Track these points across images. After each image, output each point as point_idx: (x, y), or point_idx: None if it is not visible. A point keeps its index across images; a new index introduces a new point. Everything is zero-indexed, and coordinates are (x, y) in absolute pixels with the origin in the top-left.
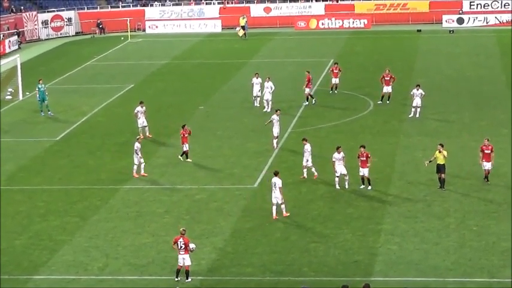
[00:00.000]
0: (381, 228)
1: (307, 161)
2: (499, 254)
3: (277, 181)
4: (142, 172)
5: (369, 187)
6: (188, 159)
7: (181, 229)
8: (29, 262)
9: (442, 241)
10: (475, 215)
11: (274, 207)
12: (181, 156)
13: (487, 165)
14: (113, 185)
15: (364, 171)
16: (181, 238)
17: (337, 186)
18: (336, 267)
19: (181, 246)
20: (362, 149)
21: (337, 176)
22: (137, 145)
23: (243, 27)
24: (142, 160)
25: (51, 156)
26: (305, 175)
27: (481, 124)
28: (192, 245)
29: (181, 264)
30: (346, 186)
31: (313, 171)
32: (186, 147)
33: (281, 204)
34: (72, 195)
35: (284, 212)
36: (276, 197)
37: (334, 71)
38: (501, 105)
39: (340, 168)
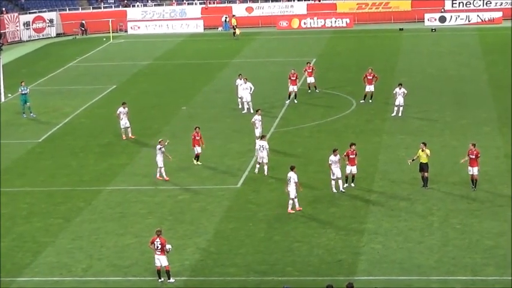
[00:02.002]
0: (364, 228)
1: (263, 157)
2: (482, 252)
3: (292, 175)
4: (164, 175)
5: (352, 184)
6: (198, 162)
7: (157, 229)
8: (12, 264)
9: (426, 240)
10: (458, 214)
11: (290, 202)
12: (197, 161)
13: (472, 170)
14: (96, 186)
15: (352, 169)
16: (158, 238)
17: (334, 190)
18: (320, 267)
19: (157, 247)
20: (353, 147)
21: (334, 179)
22: (159, 147)
23: (233, 27)
24: (162, 164)
25: (33, 158)
26: (256, 171)
27: (463, 123)
28: (168, 246)
29: (158, 265)
30: (342, 189)
31: (265, 168)
32: (198, 150)
33: (294, 198)
34: (55, 196)
35: (297, 206)
36: (290, 190)
37: (308, 70)
38: (483, 103)
39: (337, 171)
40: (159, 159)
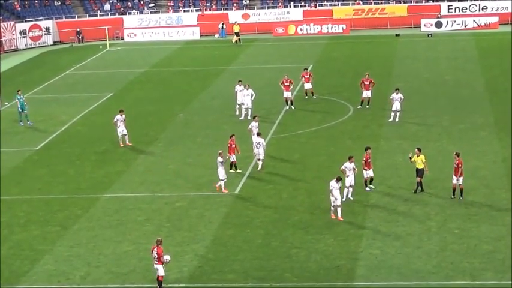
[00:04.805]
0: (362, 233)
1: (259, 153)
2: (481, 256)
3: (334, 185)
4: (222, 188)
5: (372, 186)
6: (238, 170)
7: (156, 239)
8: (10, 272)
9: (424, 245)
10: (456, 218)
11: (339, 209)
12: (231, 169)
13: (455, 180)
14: (93, 194)
15: (368, 173)
16: (156, 248)
17: (344, 198)
18: (318, 273)
19: (154, 256)
20: (369, 151)
21: (347, 187)
22: (220, 159)
23: (237, 34)
24: (224, 176)
25: (30, 166)
26: (259, 168)
27: (460, 127)
28: (166, 257)
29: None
30: (351, 197)
31: (259, 163)
32: (233, 158)
33: (338, 205)
34: (52, 204)
35: (338, 216)
36: (336, 198)
37: (305, 76)
38: (480, 108)
39: (351, 179)
40: (221, 172)
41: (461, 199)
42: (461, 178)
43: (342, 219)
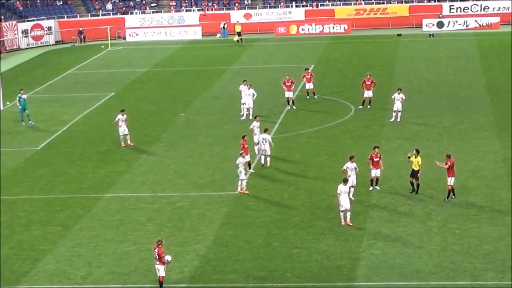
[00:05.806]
0: (363, 233)
1: (265, 150)
2: (481, 256)
3: (342, 188)
4: (244, 189)
5: (377, 187)
6: (251, 170)
7: (157, 239)
8: (11, 272)
9: (425, 245)
10: (457, 218)
11: (341, 214)
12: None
13: (448, 180)
14: (95, 194)
15: (376, 172)
16: (157, 248)
17: (352, 197)
18: (319, 273)
19: (155, 257)
20: (377, 150)
21: (349, 187)
22: (240, 160)
23: (238, 33)
24: (245, 176)
25: (32, 165)
26: (262, 162)
27: (461, 128)
28: (167, 257)
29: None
30: (352, 198)
31: (267, 159)
32: (247, 158)
33: (347, 210)
34: (53, 204)
35: (347, 220)
36: (342, 204)
37: (306, 76)
38: (481, 108)
39: (352, 179)
40: (242, 172)
41: (453, 198)
42: (451, 179)
43: (350, 224)
